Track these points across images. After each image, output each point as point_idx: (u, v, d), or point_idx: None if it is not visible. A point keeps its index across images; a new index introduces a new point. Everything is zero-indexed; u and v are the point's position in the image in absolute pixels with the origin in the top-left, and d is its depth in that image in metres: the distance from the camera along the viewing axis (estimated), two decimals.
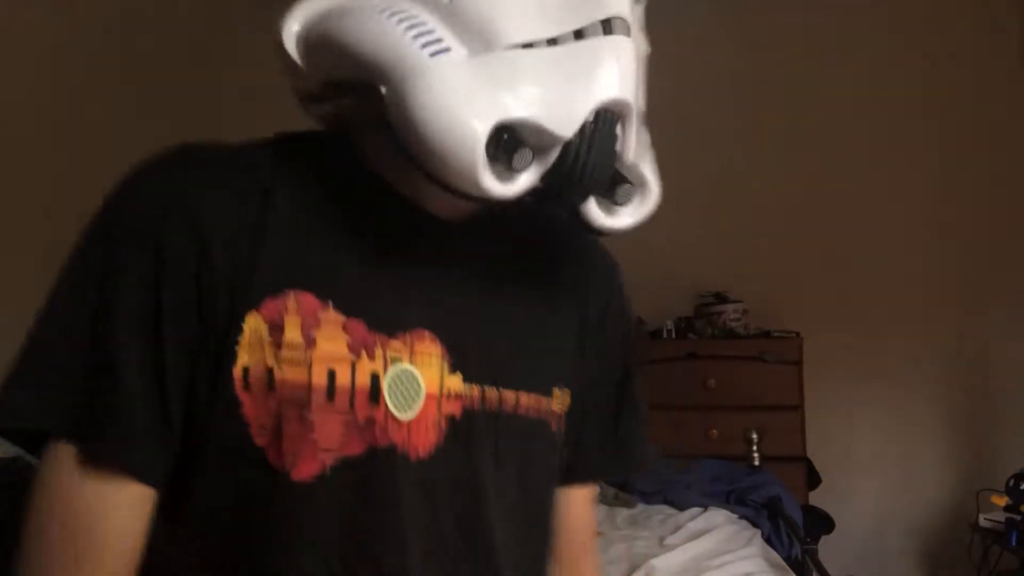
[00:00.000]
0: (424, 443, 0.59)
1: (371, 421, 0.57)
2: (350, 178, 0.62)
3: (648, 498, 2.29)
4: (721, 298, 3.31)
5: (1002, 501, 2.68)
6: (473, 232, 0.65)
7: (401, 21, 0.53)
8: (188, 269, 0.55)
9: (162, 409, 0.55)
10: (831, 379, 3.33)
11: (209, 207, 0.56)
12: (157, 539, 0.56)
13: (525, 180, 0.55)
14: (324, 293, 0.57)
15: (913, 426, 3.31)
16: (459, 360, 0.61)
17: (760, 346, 3.13)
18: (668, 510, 2.17)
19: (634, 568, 1.65)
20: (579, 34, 0.55)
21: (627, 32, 0.57)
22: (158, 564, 0.56)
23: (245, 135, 0.65)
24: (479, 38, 0.53)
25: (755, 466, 2.57)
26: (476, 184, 0.53)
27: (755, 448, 2.63)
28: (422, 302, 0.61)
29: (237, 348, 0.55)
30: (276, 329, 0.55)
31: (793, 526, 2.07)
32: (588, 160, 0.56)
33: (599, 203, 0.64)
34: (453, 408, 0.61)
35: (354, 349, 0.57)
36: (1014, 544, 2.59)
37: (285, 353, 0.55)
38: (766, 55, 3.54)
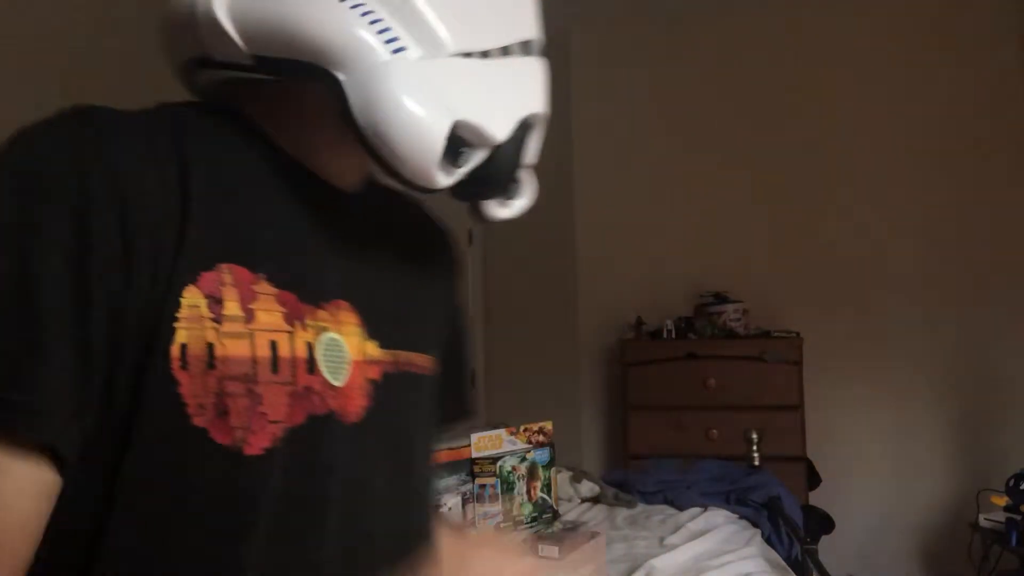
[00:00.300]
0: (355, 408, 0.61)
1: (309, 390, 0.58)
2: (256, 150, 0.62)
3: (648, 498, 2.29)
4: (721, 298, 3.32)
5: (1002, 501, 2.68)
6: (363, 203, 0.69)
7: (364, 14, 0.56)
8: (112, 235, 0.50)
9: (84, 384, 0.50)
10: (831, 379, 3.33)
11: (130, 169, 0.52)
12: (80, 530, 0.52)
13: (459, 175, 0.59)
14: (255, 266, 0.57)
15: (913, 426, 3.31)
16: (372, 327, 0.64)
17: (760, 346, 3.13)
18: (668, 510, 2.17)
19: (634, 568, 1.65)
20: (505, 51, 0.60)
21: (541, 54, 0.63)
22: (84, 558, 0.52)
23: None
24: (426, 42, 0.57)
25: (755, 466, 2.57)
26: (428, 176, 0.57)
27: (755, 448, 2.63)
28: (337, 272, 0.63)
29: (175, 324, 0.52)
30: (216, 303, 0.54)
31: (793, 526, 2.07)
32: (510, 162, 0.62)
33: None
34: (374, 373, 0.64)
35: (289, 320, 0.58)
36: (1014, 544, 2.59)
37: (226, 327, 0.54)
38: (766, 56, 3.55)
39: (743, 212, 3.53)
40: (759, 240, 3.50)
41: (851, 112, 3.44)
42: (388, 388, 0.64)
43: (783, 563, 1.86)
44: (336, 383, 0.60)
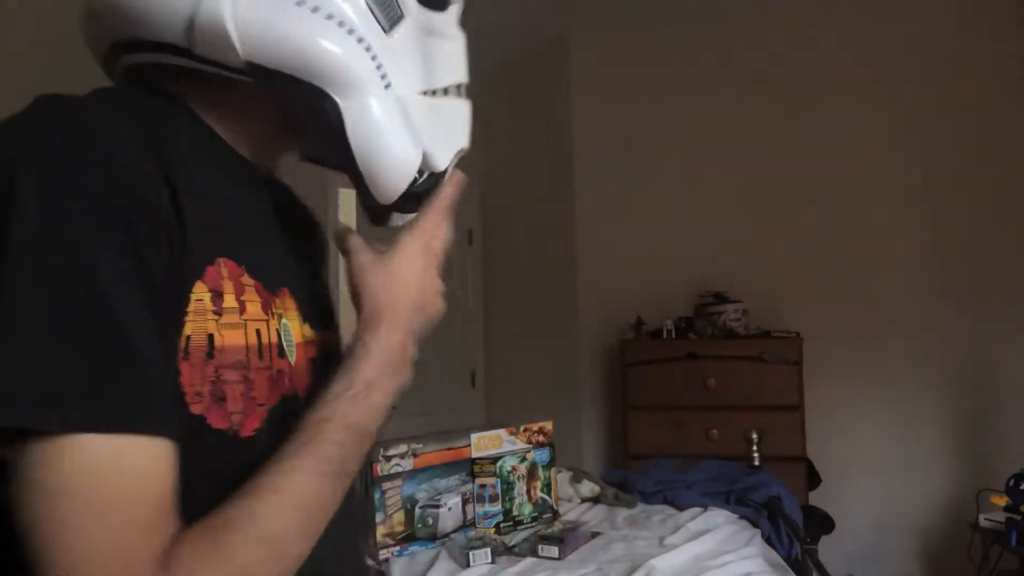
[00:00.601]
0: (303, 386, 0.66)
1: (281, 373, 0.62)
2: (210, 141, 0.65)
3: (648, 498, 2.29)
4: (721, 298, 3.32)
5: (1002, 501, 2.68)
6: (273, 191, 0.73)
7: (367, 49, 0.62)
8: (150, 233, 0.51)
9: (167, 368, 0.52)
10: (831, 379, 3.33)
11: (137, 168, 0.52)
12: None
13: (416, 196, 0.69)
14: (239, 259, 0.60)
15: (913, 426, 3.31)
16: (304, 310, 0.69)
17: (760, 346, 3.13)
18: (668, 510, 2.17)
19: (634, 568, 1.64)
20: (447, 91, 0.70)
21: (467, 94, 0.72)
22: None
23: None
24: (400, 77, 0.64)
25: (755, 466, 2.57)
26: (393, 197, 0.66)
27: (755, 448, 2.63)
28: (278, 259, 0.68)
29: (185, 319, 0.54)
30: (217, 296, 0.57)
31: (793, 526, 2.07)
32: (436, 188, 0.70)
33: None
34: (311, 352, 0.69)
35: (265, 309, 0.62)
36: (1014, 544, 2.59)
37: (225, 318, 0.57)
38: (766, 56, 3.55)
39: (744, 212, 3.53)
40: (759, 240, 3.50)
41: (852, 112, 3.44)
42: (322, 366, 0.68)
43: (783, 563, 1.86)
44: (292, 364, 0.65)
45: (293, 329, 0.66)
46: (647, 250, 3.63)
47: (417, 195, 0.68)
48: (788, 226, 3.48)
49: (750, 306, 3.32)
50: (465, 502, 1.95)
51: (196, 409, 0.54)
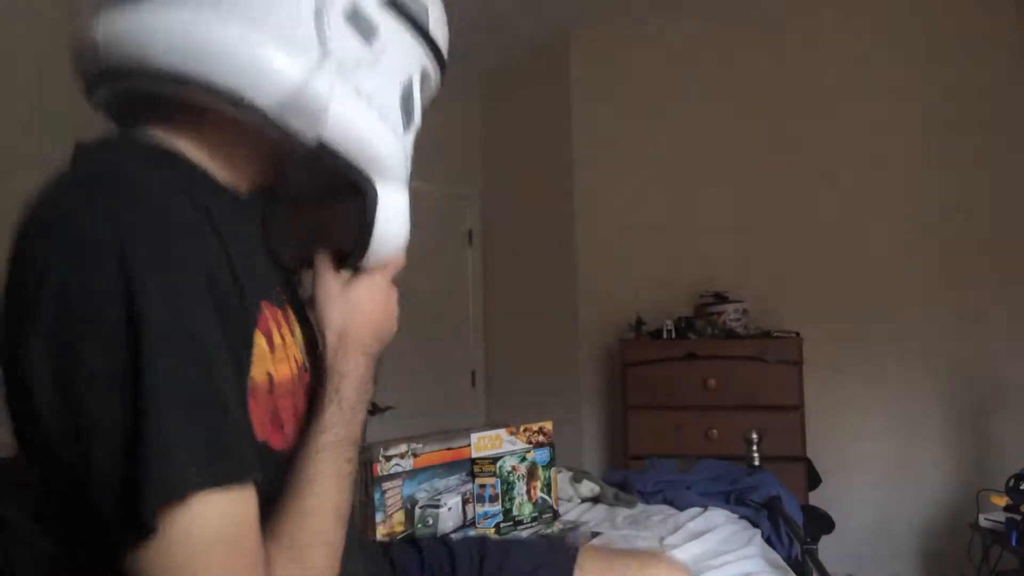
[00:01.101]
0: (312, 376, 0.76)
1: (306, 383, 0.73)
2: (210, 182, 0.71)
3: (648, 498, 2.29)
4: (721, 298, 3.32)
5: (1002, 501, 2.68)
6: (256, 205, 0.79)
7: (401, 140, 0.73)
8: (216, 303, 0.60)
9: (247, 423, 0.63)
10: (831, 379, 3.33)
11: (213, 249, 0.61)
12: None
13: None
14: (269, 296, 0.69)
15: (913, 426, 3.31)
16: (295, 308, 0.77)
17: (760, 346, 3.13)
18: (668, 510, 2.17)
19: None
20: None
21: None
22: None
23: None
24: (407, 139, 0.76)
25: (755, 466, 2.57)
26: (394, 258, 0.79)
27: (755, 448, 2.62)
28: (278, 277, 0.77)
29: (251, 365, 0.64)
30: (269, 339, 0.66)
31: (793, 526, 2.07)
32: None
33: None
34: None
35: (291, 332, 0.72)
36: (1014, 544, 2.59)
37: (277, 355, 0.67)
38: (766, 56, 3.55)
39: (744, 212, 3.53)
40: (759, 240, 3.50)
41: (852, 112, 3.44)
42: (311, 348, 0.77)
43: (783, 563, 1.86)
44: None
45: (297, 332, 0.74)
46: (647, 250, 3.63)
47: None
48: (788, 226, 3.48)
49: (750, 306, 3.32)
50: (465, 502, 1.95)
51: (260, 436, 0.65)
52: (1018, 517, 2.59)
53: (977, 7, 3.31)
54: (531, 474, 2.06)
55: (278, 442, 0.66)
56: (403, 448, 1.85)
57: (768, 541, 2.03)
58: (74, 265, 0.54)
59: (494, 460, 1.99)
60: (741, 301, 3.30)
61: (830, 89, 3.46)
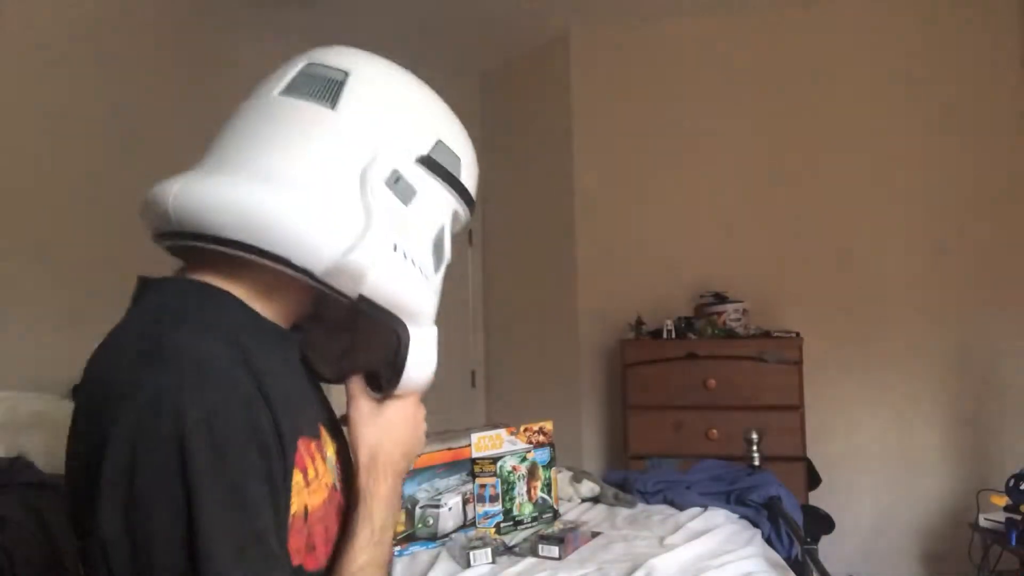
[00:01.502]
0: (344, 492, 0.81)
1: (339, 501, 0.78)
2: (256, 323, 0.76)
3: (648, 498, 2.29)
4: (721, 298, 3.32)
5: (1002, 501, 2.68)
6: (295, 336, 0.84)
7: (430, 285, 0.79)
8: (266, 458, 0.66)
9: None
10: (831, 379, 3.33)
11: (255, 402, 0.67)
12: None
13: None
14: (305, 430, 0.73)
15: (913, 426, 3.31)
16: (330, 430, 0.83)
17: (760, 346, 3.13)
18: (668, 510, 2.17)
19: (634, 568, 1.64)
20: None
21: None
22: None
23: None
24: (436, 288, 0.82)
25: (755, 466, 2.57)
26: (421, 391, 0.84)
27: (755, 448, 2.62)
28: (313, 403, 0.82)
29: (291, 499, 0.69)
30: (305, 474, 0.71)
31: (793, 526, 2.07)
32: None
33: None
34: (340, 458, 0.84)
35: (324, 459, 0.77)
36: (1014, 544, 2.59)
37: (312, 487, 0.72)
38: (766, 56, 3.55)
39: (743, 212, 3.53)
40: (759, 240, 3.50)
41: (851, 111, 3.44)
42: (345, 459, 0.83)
43: (783, 563, 1.86)
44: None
45: (329, 452, 0.79)
46: (647, 250, 3.63)
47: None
48: (788, 226, 3.48)
49: (750, 306, 3.32)
50: (465, 502, 1.95)
51: (296, 561, 0.70)
52: (1018, 517, 2.59)
53: (978, 11, 3.31)
54: (531, 474, 2.06)
55: (311, 564, 0.72)
56: None
57: (768, 541, 2.03)
58: (142, 437, 0.62)
59: (494, 460, 1.99)
60: (741, 301, 3.30)
61: (831, 89, 3.46)
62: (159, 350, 0.65)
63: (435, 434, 2.10)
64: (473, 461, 1.98)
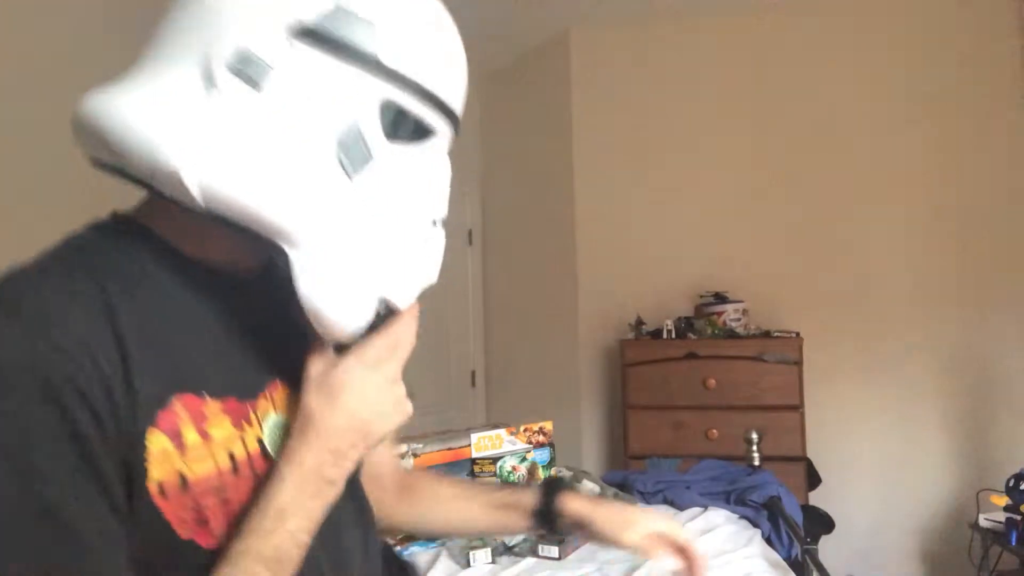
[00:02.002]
0: None
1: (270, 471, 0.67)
2: (164, 266, 0.66)
3: (648, 498, 2.29)
4: (721, 298, 3.32)
5: (1002, 501, 2.68)
6: (259, 283, 0.74)
7: (316, 193, 0.62)
8: (85, 414, 0.56)
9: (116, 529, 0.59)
10: (831, 379, 3.33)
11: (74, 353, 0.57)
12: None
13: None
14: (197, 387, 0.63)
15: (913, 426, 3.31)
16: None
17: (760, 346, 3.13)
18: (668, 510, 2.17)
19: (634, 568, 1.65)
20: (434, 224, 0.70)
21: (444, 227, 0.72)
22: None
23: None
24: (360, 223, 0.64)
25: (755, 466, 2.57)
26: (343, 340, 0.67)
27: (755, 448, 2.62)
28: (264, 355, 0.70)
29: (146, 464, 0.59)
30: (176, 436, 0.61)
31: (793, 526, 2.07)
32: (392, 317, 0.70)
33: None
34: None
35: (237, 423, 0.66)
36: (1014, 544, 2.59)
37: (189, 454, 0.62)
38: (766, 55, 3.55)
39: (743, 212, 3.53)
40: (759, 240, 3.50)
41: (851, 111, 3.44)
42: None
43: (783, 563, 1.86)
44: None
45: (292, 418, 0.69)
46: (647, 250, 3.63)
47: (376, 324, 0.68)
48: (788, 226, 3.48)
49: (750, 306, 3.32)
50: None
51: (185, 535, 0.61)
52: (1018, 517, 2.59)
53: (975, 9, 3.31)
54: (531, 474, 2.06)
55: (205, 540, 0.62)
56: (403, 448, 1.85)
57: (768, 541, 2.03)
58: None
59: (494, 460, 1.99)
60: (741, 301, 3.30)
61: (831, 89, 3.46)
62: (12, 300, 0.58)
63: (435, 434, 2.10)
64: (473, 461, 1.98)
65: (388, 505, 0.98)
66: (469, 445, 1.97)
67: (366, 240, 0.64)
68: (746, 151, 3.55)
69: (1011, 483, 2.65)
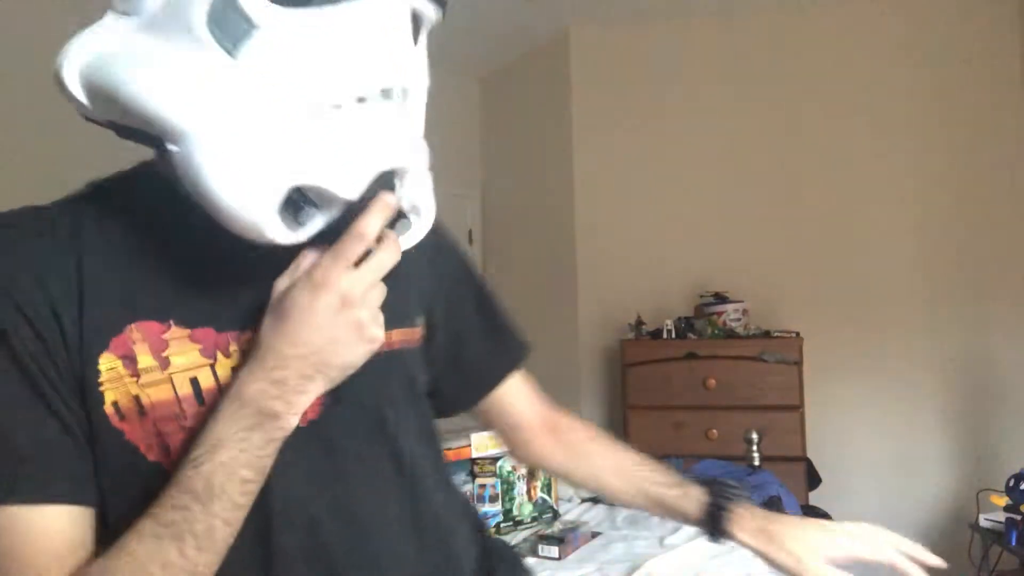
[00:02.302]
0: (314, 403, 0.65)
1: None
2: (174, 205, 0.64)
3: None
4: (721, 298, 3.32)
5: (1002, 501, 2.68)
6: None
7: (188, 78, 0.57)
8: (27, 332, 0.60)
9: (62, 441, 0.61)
10: (831, 379, 3.33)
11: (24, 281, 0.60)
12: None
13: (310, 230, 0.61)
14: (163, 316, 0.63)
15: (913, 426, 3.31)
16: None
17: (760, 346, 3.13)
18: None
19: (634, 568, 1.65)
20: (361, 99, 0.59)
21: (403, 98, 0.62)
22: None
23: None
24: (251, 104, 0.56)
25: (755, 466, 2.57)
26: (263, 237, 0.58)
27: (755, 448, 2.63)
28: (264, 292, 0.65)
29: (100, 388, 0.61)
30: (130, 361, 0.61)
31: None
32: (350, 216, 0.61)
33: None
34: None
35: (208, 353, 0.64)
36: (1014, 544, 2.59)
37: (144, 379, 0.62)
38: (767, 57, 3.55)
39: (743, 212, 3.53)
40: (759, 240, 3.50)
41: (851, 111, 3.44)
42: (356, 373, 0.66)
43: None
44: None
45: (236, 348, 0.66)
46: (647, 250, 3.63)
47: (343, 228, 0.61)
48: (788, 226, 3.48)
49: (750, 306, 3.32)
50: None
51: (152, 457, 0.62)
52: (1018, 517, 2.59)
53: (975, 11, 3.31)
54: (531, 474, 2.06)
55: (172, 467, 0.61)
56: None
57: None
58: None
59: (494, 460, 1.99)
60: (741, 301, 3.30)
61: (832, 89, 3.46)
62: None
63: None
64: (473, 461, 1.98)
65: (539, 446, 0.98)
66: (469, 445, 1.97)
67: (261, 123, 0.56)
68: (747, 151, 3.55)
69: (1011, 483, 2.64)
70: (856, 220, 3.41)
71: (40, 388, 0.60)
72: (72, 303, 0.61)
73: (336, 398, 0.67)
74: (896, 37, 3.41)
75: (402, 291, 0.73)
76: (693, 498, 0.94)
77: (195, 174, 0.56)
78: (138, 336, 0.62)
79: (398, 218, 0.65)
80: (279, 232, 0.58)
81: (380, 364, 0.67)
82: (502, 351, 1.00)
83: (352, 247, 0.60)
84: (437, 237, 0.83)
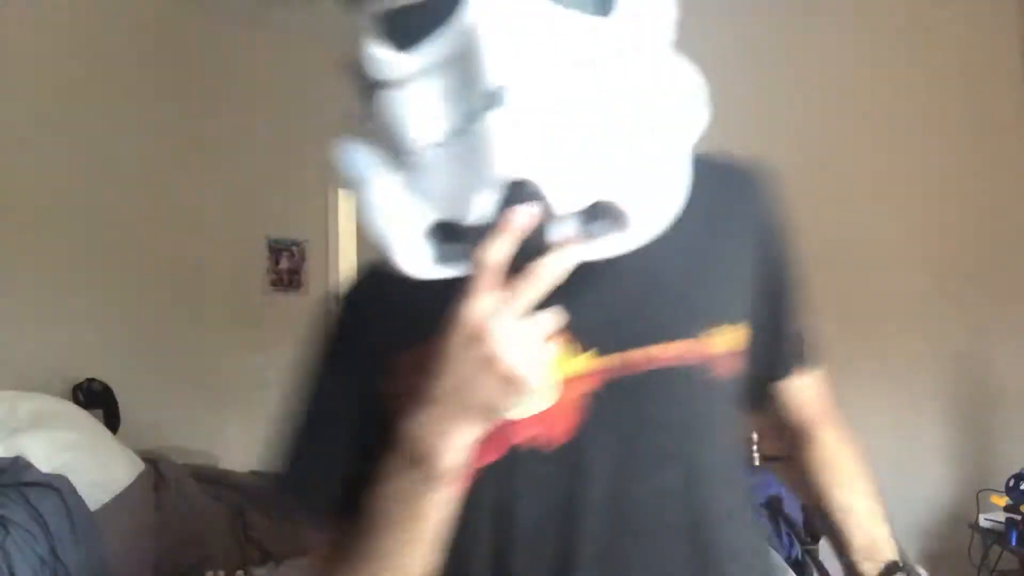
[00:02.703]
0: (562, 429, 0.64)
1: (502, 429, 0.62)
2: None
3: None
4: None
5: (1002, 501, 2.68)
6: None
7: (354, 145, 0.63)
8: (331, 357, 0.76)
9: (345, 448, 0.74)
10: (830, 379, 3.33)
11: (343, 327, 0.76)
12: None
13: (459, 264, 0.59)
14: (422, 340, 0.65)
15: (913, 426, 3.31)
16: (584, 339, 0.65)
17: None
18: None
19: None
20: (471, 116, 0.56)
21: (520, 95, 0.55)
22: None
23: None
24: (394, 148, 0.61)
25: (755, 466, 2.57)
26: (420, 275, 0.60)
27: (755, 448, 2.62)
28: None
29: (390, 409, 0.68)
30: (401, 388, 0.68)
31: (793, 526, 2.07)
32: (480, 244, 0.57)
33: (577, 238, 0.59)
34: (588, 385, 0.65)
35: None
36: (1014, 544, 2.59)
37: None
38: (766, 56, 3.55)
39: None
40: None
41: (851, 110, 3.44)
42: (614, 396, 0.64)
43: (783, 563, 1.86)
44: (522, 414, 0.63)
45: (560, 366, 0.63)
46: None
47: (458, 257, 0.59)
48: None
49: None
50: None
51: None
52: (1018, 517, 2.59)
53: (978, 8, 3.31)
54: None
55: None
56: None
57: (768, 541, 2.03)
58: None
59: None
60: None
61: (831, 88, 3.46)
62: None
63: None
64: None
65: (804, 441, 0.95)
66: None
67: (386, 171, 0.61)
68: (746, 150, 3.53)
69: (1011, 483, 2.65)
70: (856, 220, 3.41)
71: (344, 402, 0.75)
72: (364, 348, 0.75)
73: (589, 423, 0.64)
74: (899, 35, 3.40)
75: (665, 301, 0.70)
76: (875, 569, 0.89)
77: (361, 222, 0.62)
78: (409, 361, 0.68)
79: (592, 218, 0.59)
80: (419, 268, 0.60)
81: (635, 385, 0.65)
82: (769, 358, 0.91)
83: (477, 278, 0.56)
84: (757, 192, 0.83)
